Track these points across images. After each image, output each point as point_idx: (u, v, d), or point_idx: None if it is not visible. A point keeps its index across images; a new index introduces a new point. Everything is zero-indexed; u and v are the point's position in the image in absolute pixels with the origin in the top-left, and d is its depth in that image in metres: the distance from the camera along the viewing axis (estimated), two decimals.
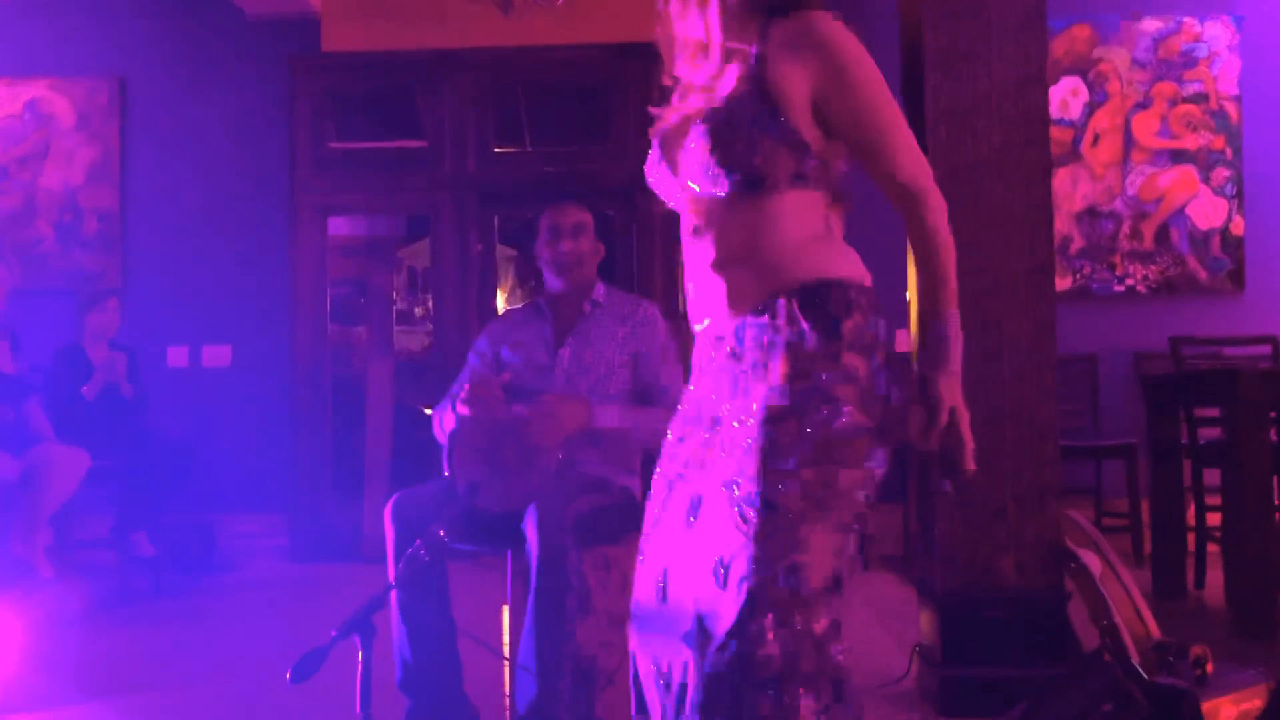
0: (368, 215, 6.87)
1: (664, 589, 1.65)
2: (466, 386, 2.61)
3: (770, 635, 1.48)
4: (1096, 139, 5.85)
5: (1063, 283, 5.71)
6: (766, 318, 1.62)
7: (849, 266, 1.67)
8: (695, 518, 1.62)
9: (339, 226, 6.51)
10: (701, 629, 1.55)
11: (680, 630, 1.60)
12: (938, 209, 1.67)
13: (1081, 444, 5.21)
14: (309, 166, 5.99)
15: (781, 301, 1.61)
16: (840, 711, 1.51)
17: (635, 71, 5.94)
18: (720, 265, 1.68)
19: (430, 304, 8.40)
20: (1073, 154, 5.82)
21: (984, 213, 2.86)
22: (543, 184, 6.11)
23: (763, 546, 1.51)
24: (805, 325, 1.58)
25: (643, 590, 1.70)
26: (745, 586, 1.50)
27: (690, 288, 1.75)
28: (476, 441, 2.53)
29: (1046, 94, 2.89)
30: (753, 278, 1.64)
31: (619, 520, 2.70)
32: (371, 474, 5.85)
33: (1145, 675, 2.32)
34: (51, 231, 6.10)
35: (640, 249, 5.88)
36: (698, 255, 1.73)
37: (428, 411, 7.89)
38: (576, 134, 6.62)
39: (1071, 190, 5.81)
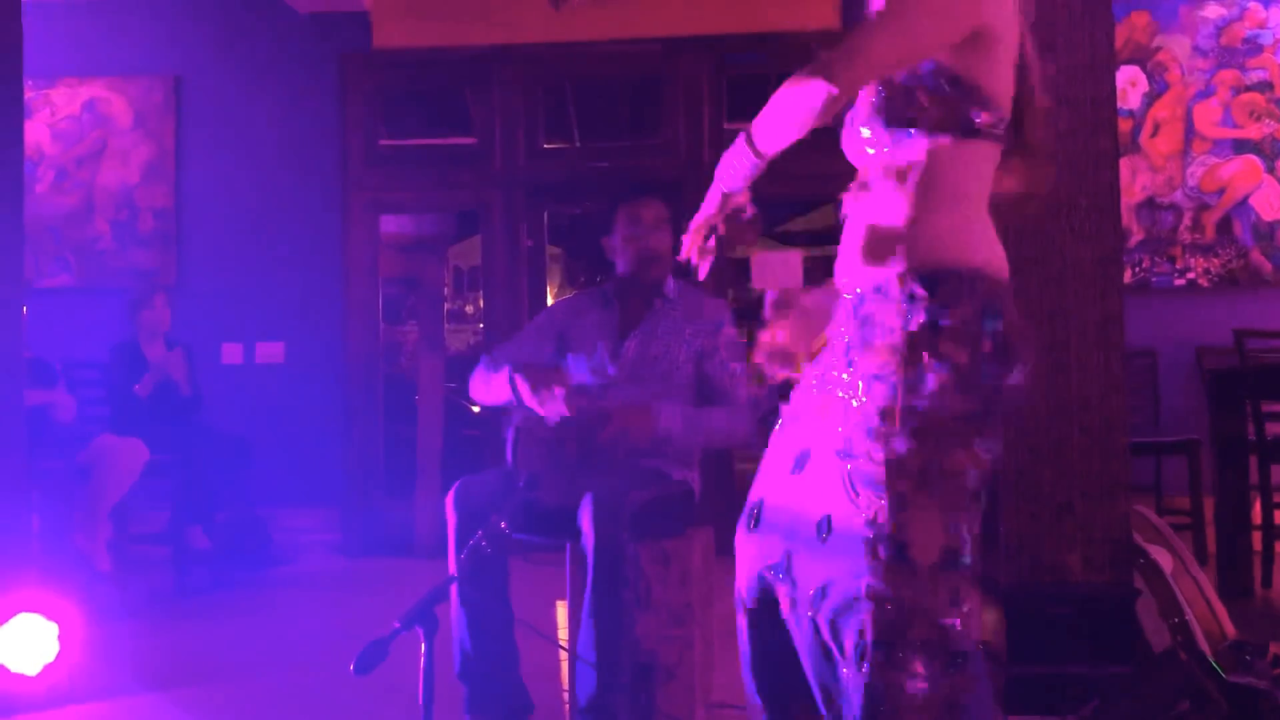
0: (418, 212, 6.89)
1: (757, 517, 1.77)
2: (529, 381, 2.58)
3: (880, 607, 1.57)
4: (1156, 129, 5.73)
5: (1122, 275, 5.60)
6: (880, 295, 1.65)
7: (972, 251, 1.65)
8: (801, 470, 1.71)
9: (388, 224, 6.55)
10: (789, 570, 1.68)
11: (768, 559, 1.73)
12: (820, 72, 1.61)
13: (1142, 440, 5.09)
14: (360, 163, 6.03)
15: (894, 284, 1.63)
16: (955, 677, 1.57)
17: (685, 66, 5.91)
18: (871, 222, 1.72)
19: (479, 302, 8.44)
20: (1132, 145, 5.71)
21: (1052, 201, 2.80)
22: (592, 179, 6.10)
23: (874, 526, 1.58)
24: (912, 312, 1.61)
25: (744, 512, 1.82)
26: (857, 561, 1.59)
27: (843, 244, 1.78)
28: (540, 434, 2.52)
29: (1114, 79, 2.83)
30: (878, 248, 1.67)
31: (677, 513, 2.68)
32: (423, 470, 5.88)
33: (1223, 674, 2.26)
34: (109, 229, 6.18)
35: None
36: (854, 214, 1.77)
37: (476, 409, 7.91)
38: (626, 129, 6.61)
39: (1130, 182, 5.69)
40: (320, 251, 6.11)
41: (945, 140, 1.65)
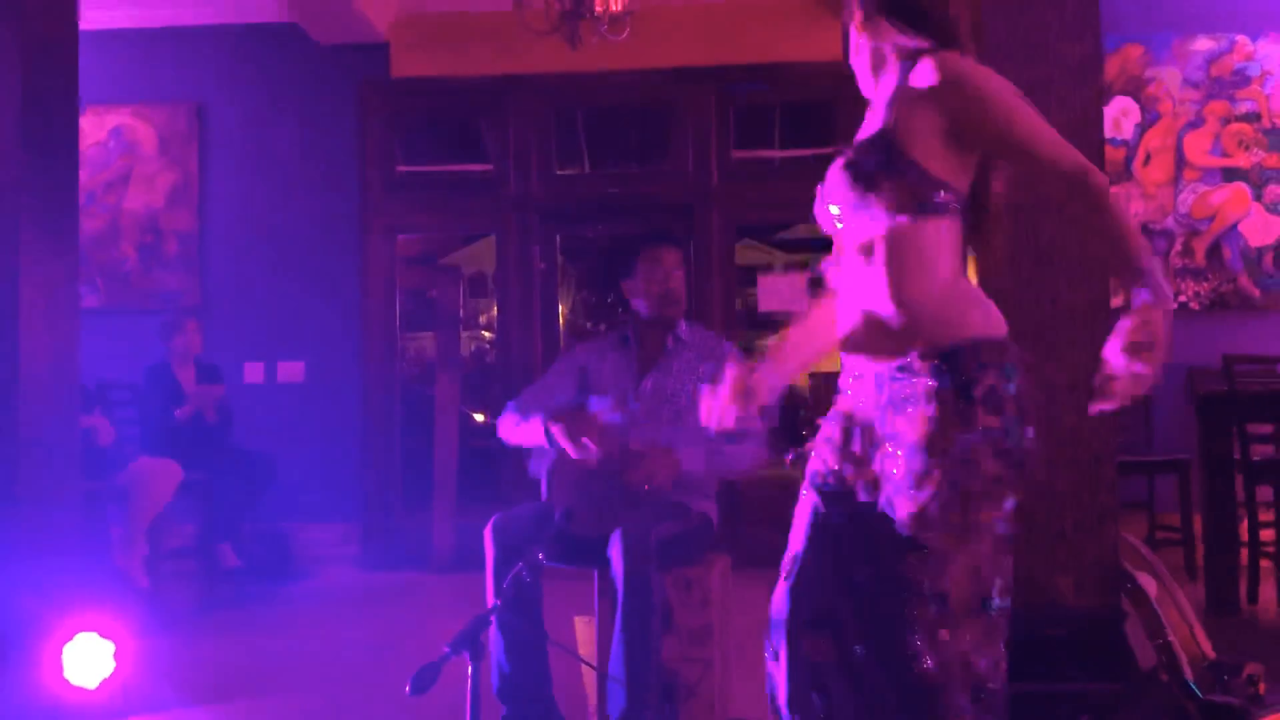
0: (435, 234, 7.10)
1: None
2: (563, 428, 2.79)
3: (923, 652, 1.73)
4: (1148, 158, 5.94)
5: (1115, 300, 5.78)
6: (905, 376, 1.79)
7: (980, 320, 1.82)
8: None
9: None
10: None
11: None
12: (1106, 187, 1.80)
13: (1135, 459, 5.30)
14: (378, 188, 6.23)
15: (917, 363, 1.78)
16: (984, 714, 1.73)
17: (693, 95, 6.12)
18: (863, 305, 1.86)
19: (487, 309, 8.64)
20: (1124, 173, 5.92)
21: (1044, 249, 3.00)
22: (604, 204, 6.31)
23: (915, 582, 1.74)
24: (941, 389, 1.75)
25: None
26: (902, 611, 1.74)
27: (840, 314, 1.93)
28: (574, 472, 2.73)
29: (1102, 135, 3.02)
30: (891, 330, 1.81)
31: (698, 543, 2.89)
32: (440, 486, 6.06)
33: (1200, 693, 2.45)
34: (134, 252, 6.38)
35: (699, 266, 6.05)
36: (846, 285, 1.92)
37: (479, 418, 8.07)
38: (636, 155, 6.81)
39: (1123, 209, 5.89)
40: (339, 274, 6.31)
41: (904, 219, 1.81)
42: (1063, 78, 2.98)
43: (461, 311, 6.71)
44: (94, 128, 6.37)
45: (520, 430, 2.95)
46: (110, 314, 6.32)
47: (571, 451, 2.74)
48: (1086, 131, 3.01)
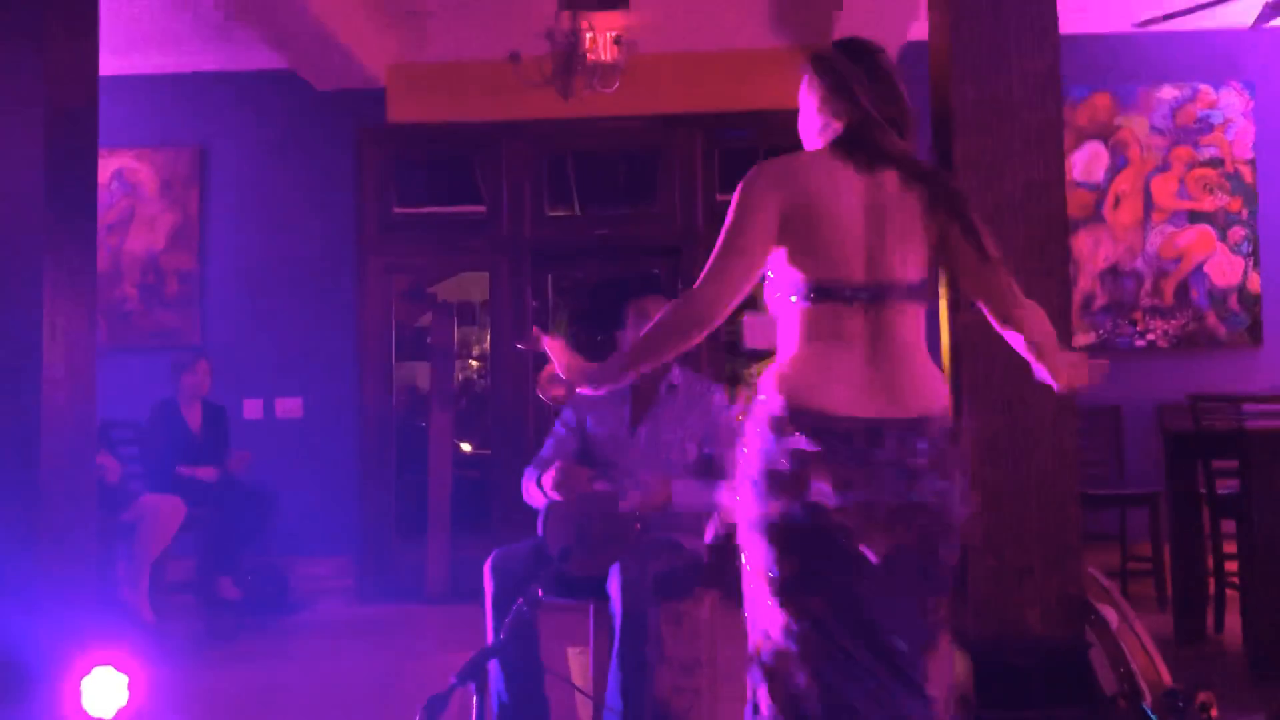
0: (429, 275, 7.29)
1: None
2: (555, 472, 2.98)
3: None
4: (1118, 201, 6.17)
5: (1086, 338, 6.03)
6: (925, 438, 2.04)
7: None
8: None
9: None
10: None
11: None
12: None
13: (1107, 492, 5.50)
14: (375, 229, 6.42)
15: (932, 426, 2.05)
16: None
17: (680, 139, 6.34)
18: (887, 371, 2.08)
19: (486, 341, 8.82)
20: (1095, 216, 6.15)
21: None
22: (594, 245, 6.52)
23: None
24: (945, 449, 2.04)
25: None
26: None
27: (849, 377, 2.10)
28: (568, 514, 2.91)
29: (1064, 197, 3.23)
30: (910, 395, 2.06)
31: (688, 578, 3.06)
32: (434, 520, 6.21)
33: (1157, 719, 2.63)
34: (136, 292, 6.54)
35: None
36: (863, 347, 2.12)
37: (465, 448, 8.19)
38: (625, 198, 7.02)
39: (1094, 250, 6.13)
40: (336, 313, 6.49)
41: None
42: (1024, 144, 3.19)
43: (456, 348, 6.87)
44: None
45: (534, 495, 3.12)
46: (112, 353, 6.43)
47: (557, 496, 2.94)
48: (1049, 193, 3.23)
